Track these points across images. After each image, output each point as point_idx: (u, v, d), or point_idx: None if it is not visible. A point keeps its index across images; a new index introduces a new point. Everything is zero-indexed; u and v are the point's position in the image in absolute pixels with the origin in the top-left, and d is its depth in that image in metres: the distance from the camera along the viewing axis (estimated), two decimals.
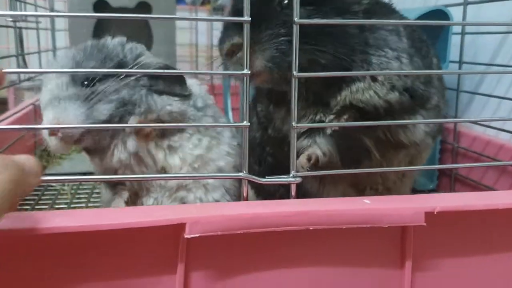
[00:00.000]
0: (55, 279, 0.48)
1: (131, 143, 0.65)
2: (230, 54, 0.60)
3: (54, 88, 0.62)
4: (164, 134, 0.67)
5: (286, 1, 0.60)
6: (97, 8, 1.29)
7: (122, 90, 0.63)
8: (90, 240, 0.48)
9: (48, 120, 0.60)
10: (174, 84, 0.68)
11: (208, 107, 0.73)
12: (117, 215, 0.48)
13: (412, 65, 0.65)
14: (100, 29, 1.24)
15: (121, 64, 0.65)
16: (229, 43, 0.59)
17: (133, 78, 0.64)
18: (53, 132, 0.61)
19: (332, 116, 0.64)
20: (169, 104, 0.67)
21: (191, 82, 0.73)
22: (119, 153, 0.65)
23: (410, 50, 0.66)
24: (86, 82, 0.62)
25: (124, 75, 0.63)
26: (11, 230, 0.44)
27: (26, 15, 0.59)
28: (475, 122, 0.98)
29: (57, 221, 0.46)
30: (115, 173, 0.67)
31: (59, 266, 0.48)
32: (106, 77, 0.63)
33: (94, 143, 0.64)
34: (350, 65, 0.62)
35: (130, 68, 0.65)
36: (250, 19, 0.51)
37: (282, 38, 0.58)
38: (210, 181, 0.70)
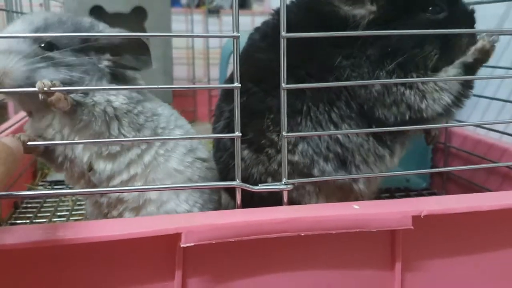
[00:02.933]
0: None
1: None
2: None
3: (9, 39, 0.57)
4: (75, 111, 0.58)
5: None
6: (93, 13, 1.30)
7: (75, 67, 0.59)
8: (89, 251, 0.50)
9: None
10: (139, 54, 0.62)
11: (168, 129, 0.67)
12: (115, 227, 0.50)
13: None
14: None
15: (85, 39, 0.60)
16: None
17: (92, 52, 0.60)
18: None
19: None
20: (113, 94, 0.61)
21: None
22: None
23: None
24: (43, 45, 0.58)
25: (84, 50, 0.59)
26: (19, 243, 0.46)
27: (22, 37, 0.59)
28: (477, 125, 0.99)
29: (58, 233, 0.48)
30: None
31: (58, 277, 0.50)
32: (66, 49, 0.59)
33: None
34: None
35: (94, 41, 0.61)
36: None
37: None
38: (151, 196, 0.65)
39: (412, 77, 0.68)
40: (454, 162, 1.01)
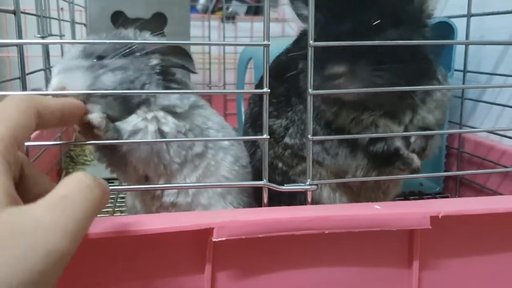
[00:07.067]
0: (98, 281, 0.54)
1: None
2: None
3: (64, 61, 0.63)
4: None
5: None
6: (114, 18, 1.34)
7: (129, 67, 0.63)
8: (130, 244, 0.53)
9: (53, 85, 0.60)
10: (184, 59, 0.66)
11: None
12: (153, 221, 0.53)
13: None
14: None
15: (130, 45, 0.64)
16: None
17: (139, 54, 0.63)
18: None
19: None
20: (163, 117, 0.65)
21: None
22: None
23: None
24: (96, 58, 0.63)
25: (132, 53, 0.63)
26: None
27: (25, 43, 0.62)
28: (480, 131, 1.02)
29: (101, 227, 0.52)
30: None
31: (102, 268, 0.54)
32: (115, 56, 0.63)
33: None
34: None
35: (137, 48, 0.64)
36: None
37: None
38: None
39: None
40: (467, 168, 1.03)
